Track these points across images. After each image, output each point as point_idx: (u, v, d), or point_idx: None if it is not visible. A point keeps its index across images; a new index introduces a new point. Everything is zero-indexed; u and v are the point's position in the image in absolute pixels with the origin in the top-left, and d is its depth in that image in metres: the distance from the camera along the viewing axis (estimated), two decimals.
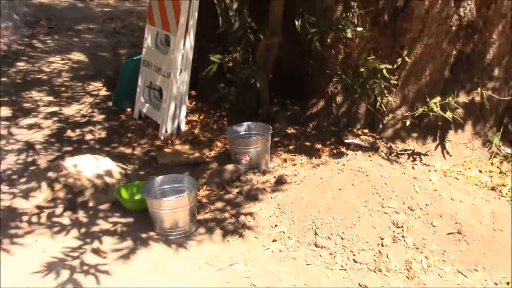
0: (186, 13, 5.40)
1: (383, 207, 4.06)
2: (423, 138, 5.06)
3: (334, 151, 5.10)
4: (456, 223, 3.94)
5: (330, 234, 3.93)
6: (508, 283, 3.58)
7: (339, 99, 5.48)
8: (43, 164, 5.15)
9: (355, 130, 5.37)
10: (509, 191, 4.39)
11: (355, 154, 4.85)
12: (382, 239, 3.86)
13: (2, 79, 7.51)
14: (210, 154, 5.29)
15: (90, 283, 3.62)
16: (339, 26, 4.97)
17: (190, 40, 5.56)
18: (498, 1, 4.70)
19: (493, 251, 3.77)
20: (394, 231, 3.91)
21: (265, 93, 5.69)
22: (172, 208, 4.03)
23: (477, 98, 4.90)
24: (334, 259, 3.79)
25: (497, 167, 4.77)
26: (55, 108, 6.57)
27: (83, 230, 4.19)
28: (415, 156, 4.91)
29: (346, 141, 5.19)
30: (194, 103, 6.27)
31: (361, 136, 5.27)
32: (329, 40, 5.11)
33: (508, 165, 4.79)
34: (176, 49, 5.51)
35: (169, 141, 5.51)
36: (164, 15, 5.71)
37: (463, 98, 4.88)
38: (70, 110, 6.50)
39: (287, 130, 5.61)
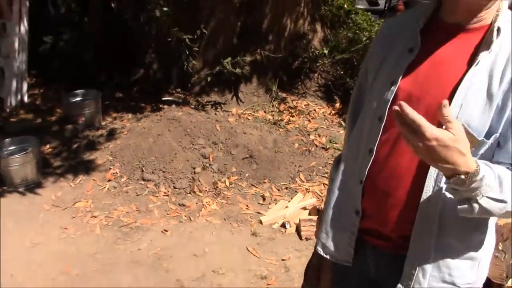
0: (18, 2, 4.97)
1: (193, 144, 4.15)
2: (222, 91, 5.17)
3: (154, 107, 5.05)
4: (249, 150, 4.14)
5: (154, 170, 3.94)
6: (286, 188, 3.87)
7: (155, 66, 5.42)
8: None
9: (170, 90, 5.35)
10: (285, 124, 4.68)
11: (170, 107, 4.87)
12: (194, 168, 3.95)
13: None
14: (51, 119, 4.99)
15: None
16: (149, 7, 4.88)
17: (25, 25, 5.14)
18: None
19: (275, 167, 4.03)
20: (203, 161, 4.02)
21: (94, 66, 5.45)
22: (20, 163, 3.79)
23: (259, 57, 5.11)
24: (158, 188, 3.82)
25: (277, 107, 5.04)
26: None
27: None
28: (216, 105, 5.01)
29: (163, 99, 5.16)
30: (34, 79, 5.83)
31: (175, 94, 5.26)
32: (142, 19, 5.00)
33: (284, 106, 5.08)
34: (12, 34, 5.07)
35: (14, 112, 5.11)
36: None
37: (249, 58, 5.06)
38: None
39: (115, 95, 5.44)
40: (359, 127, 1.44)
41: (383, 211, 1.36)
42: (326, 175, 4.00)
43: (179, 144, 4.13)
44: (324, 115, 4.91)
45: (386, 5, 12.97)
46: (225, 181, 3.90)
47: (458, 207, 1.16)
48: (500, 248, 2.24)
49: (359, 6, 7.44)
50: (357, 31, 5.20)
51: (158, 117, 4.52)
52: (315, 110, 4.98)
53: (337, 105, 5.06)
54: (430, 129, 1.03)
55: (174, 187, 3.81)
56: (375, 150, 1.34)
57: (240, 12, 5.05)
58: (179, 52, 4.95)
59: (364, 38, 5.07)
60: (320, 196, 3.73)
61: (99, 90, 4.96)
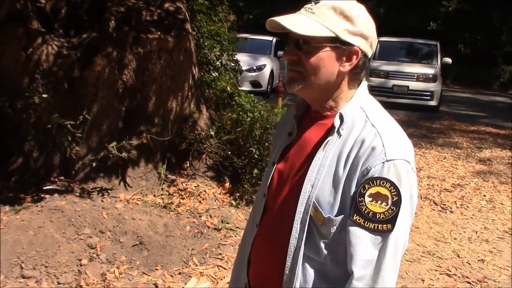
0: None
1: (78, 234, 3.98)
2: (108, 177, 5.06)
3: (35, 197, 4.80)
4: (138, 236, 4.05)
5: (35, 265, 3.69)
6: (180, 273, 3.80)
7: (35, 154, 5.19)
8: None
9: (52, 178, 5.12)
10: (175, 207, 4.67)
11: (53, 196, 4.66)
12: (80, 260, 3.77)
13: None
14: None
15: None
16: (26, 94, 4.76)
17: None
18: (150, 69, 5.03)
19: (167, 252, 3.97)
20: (89, 252, 3.86)
21: None
22: None
23: (145, 141, 5.12)
24: (40, 284, 3.57)
25: (166, 191, 5.03)
26: None
27: None
28: (103, 192, 4.88)
29: (45, 188, 4.93)
30: None
31: (58, 182, 5.05)
32: (19, 106, 4.85)
33: (174, 188, 5.08)
34: None
35: None
36: None
37: (135, 141, 5.05)
38: None
39: None
40: (255, 202, 1.57)
41: (266, 283, 1.43)
42: (220, 257, 4.01)
43: (63, 236, 3.93)
44: (215, 195, 4.98)
45: (268, 86, 13.78)
46: (114, 271, 3.74)
47: None
48: None
49: (242, 88, 7.84)
50: (241, 112, 5.44)
51: (39, 208, 4.30)
52: (205, 191, 5.03)
53: (227, 185, 5.17)
54: None
55: (58, 283, 3.58)
56: (259, 225, 1.46)
57: (124, 96, 5.09)
58: (61, 138, 4.82)
59: (248, 119, 5.30)
60: (215, 278, 3.70)
61: None
